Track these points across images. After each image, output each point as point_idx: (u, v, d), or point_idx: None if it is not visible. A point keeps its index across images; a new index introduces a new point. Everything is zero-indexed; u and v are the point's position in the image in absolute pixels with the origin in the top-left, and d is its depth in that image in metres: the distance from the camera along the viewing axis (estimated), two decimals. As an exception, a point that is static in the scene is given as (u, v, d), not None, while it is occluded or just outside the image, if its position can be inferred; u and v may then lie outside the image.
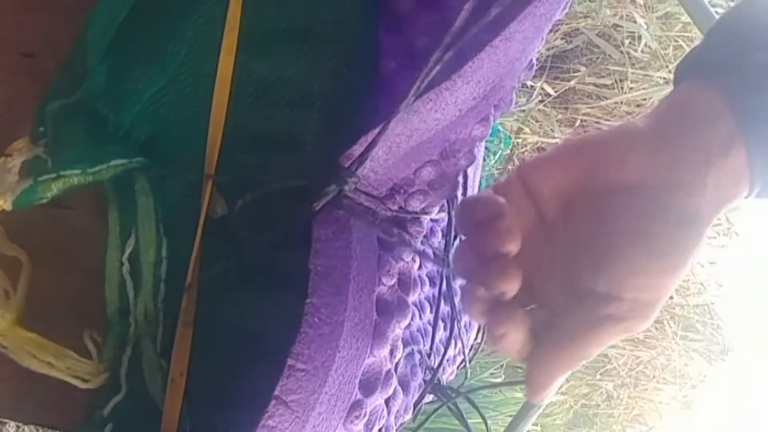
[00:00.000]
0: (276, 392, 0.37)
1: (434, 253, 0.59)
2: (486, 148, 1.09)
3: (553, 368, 0.33)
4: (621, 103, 2.00)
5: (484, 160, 1.08)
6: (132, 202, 0.43)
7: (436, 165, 0.48)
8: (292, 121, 0.44)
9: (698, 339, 2.69)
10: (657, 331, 2.52)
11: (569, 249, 0.34)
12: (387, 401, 0.47)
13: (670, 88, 0.45)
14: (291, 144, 0.44)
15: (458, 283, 0.61)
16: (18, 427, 1.13)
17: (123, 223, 0.44)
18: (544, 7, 0.42)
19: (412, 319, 0.48)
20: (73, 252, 0.45)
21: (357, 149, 0.41)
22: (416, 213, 0.50)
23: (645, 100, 1.99)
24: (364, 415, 0.42)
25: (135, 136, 0.44)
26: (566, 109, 2.03)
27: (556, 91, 1.95)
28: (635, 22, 1.87)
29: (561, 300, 0.35)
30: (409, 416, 0.54)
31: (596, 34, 1.90)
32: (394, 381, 0.46)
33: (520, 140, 1.91)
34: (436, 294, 0.58)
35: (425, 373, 0.56)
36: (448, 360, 0.62)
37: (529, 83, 1.87)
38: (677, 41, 1.93)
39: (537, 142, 1.95)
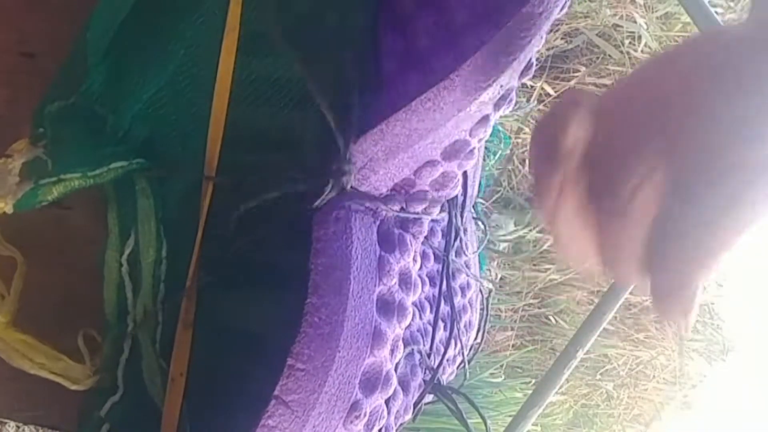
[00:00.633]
0: (276, 392, 0.37)
1: (434, 253, 0.59)
2: (486, 148, 1.09)
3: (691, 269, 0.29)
4: (621, 103, 1.99)
5: (484, 160, 1.08)
6: (132, 202, 0.43)
7: (436, 165, 0.48)
8: (292, 121, 0.44)
9: (698, 339, 2.69)
10: (657, 331, 2.52)
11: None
12: (387, 401, 0.47)
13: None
14: (291, 144, 0.44)
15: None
16: (18, 427, 1.13)
17: (122, 223, 0.44)
18: (543, 7, 0.42)
19: (412, 319, 0.48)
20: (72, 252, 0.45)
21: (357, 149, 0.41)
22: (417, 214, 0.50)
23: (645, 100, 1.99)
24: (364, 415, 0.42)
25: (134, 137, 0.44)
26: (566, 109, 2.02)
27: (556, 91, 1.95)
28: (635, 22, 1.87)
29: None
30: (409, 416, 0.54)
31: (596, 34, 1.90)
32: (394, 381, 0.46)
33: (520, 140, 1.91)
34: (436, 294, 0.58)
35: (425, 373, 0.56)
36: (448, 360, 0.62)
37: (529, 83, 1.87)
38: (677, 41, 1.93)
39: (537, 142, 1.95)
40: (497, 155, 1.82)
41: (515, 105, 0.54)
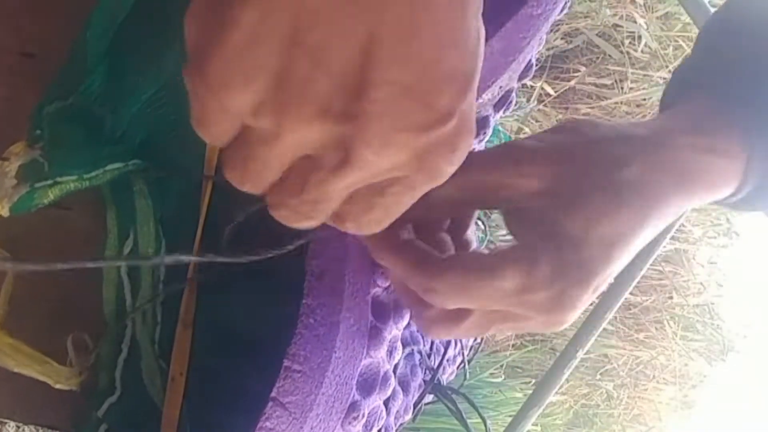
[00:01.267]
0: (273, 394, 0.37)
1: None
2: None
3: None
4: (621, 103, 2.00)
5: (484, 160, 1.08)
6: (130, 203, 0.43)
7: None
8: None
9: (698, 339, 2.69)
10: (657, 331, 2.52)
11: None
12: (386, 402, 0.47)
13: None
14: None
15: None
16: (18, 427, 1.13)
17: (121, 223, 0.44)
18: (541, 8, 0.42)
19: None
20: (70, 252, 0.45)
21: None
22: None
23: (645, 100, 1.99)
24: (363, 416, 0.42)
25: (132, 137, 0.44)
26: (566, 109, 2.03)
27: (556, 91, 1.95)
28: (635, 22, 1.87)
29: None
30: (409, 416, 0.54)
31: (596, 34, 1.90)
32: (393, 381, 0.46)
33: (520, 140, 1.91)
34: (435, 294, 0.58)
35: (425, 373, 0.56)
36: (448, 360, 0.62)
37: (529, 83, 1.87)
38: (677, 41, 1.93)
39: (537, 142, 1.95)
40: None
41: (515, 105, 0.54)
